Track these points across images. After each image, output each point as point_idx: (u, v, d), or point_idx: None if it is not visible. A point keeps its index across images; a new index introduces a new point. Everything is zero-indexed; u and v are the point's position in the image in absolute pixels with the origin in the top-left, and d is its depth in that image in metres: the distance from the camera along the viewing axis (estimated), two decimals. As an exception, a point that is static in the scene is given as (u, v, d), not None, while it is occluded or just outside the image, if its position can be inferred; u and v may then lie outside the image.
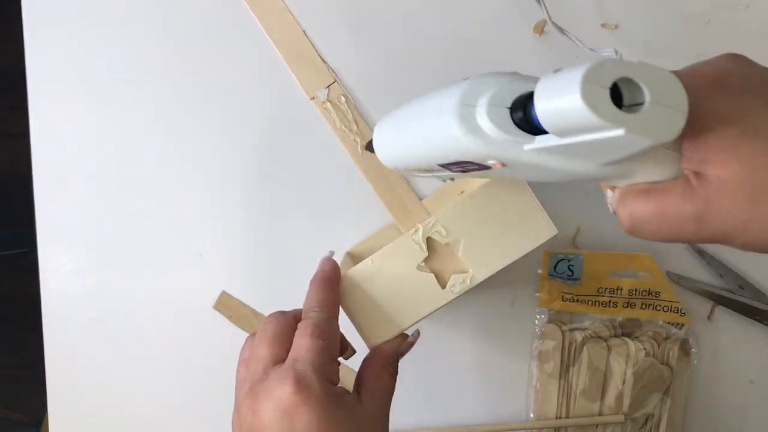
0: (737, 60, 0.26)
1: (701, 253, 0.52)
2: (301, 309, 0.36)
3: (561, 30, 0.48)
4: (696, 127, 0.23)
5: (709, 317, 0.53)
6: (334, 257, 0.39)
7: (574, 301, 0.53)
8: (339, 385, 0.33)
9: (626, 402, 0.52)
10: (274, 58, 0.53)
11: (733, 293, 0.52)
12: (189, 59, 0.55)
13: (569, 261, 0.52)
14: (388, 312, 0.36)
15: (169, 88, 0.55)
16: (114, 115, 0.55)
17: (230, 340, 0.53)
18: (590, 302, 0.53)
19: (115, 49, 0.55)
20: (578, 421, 0.52)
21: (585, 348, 0.52)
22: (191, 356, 0.55)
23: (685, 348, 0.52)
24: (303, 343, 0.32)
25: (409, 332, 0.38)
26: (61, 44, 0.55)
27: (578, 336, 0.52)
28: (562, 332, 0.52)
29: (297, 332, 0.33)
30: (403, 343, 0.38)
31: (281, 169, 0.54)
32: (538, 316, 0.53)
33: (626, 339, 0.52)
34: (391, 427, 0.56)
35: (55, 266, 0.55)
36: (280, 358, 0.33)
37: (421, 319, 0.36)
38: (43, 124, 0.55)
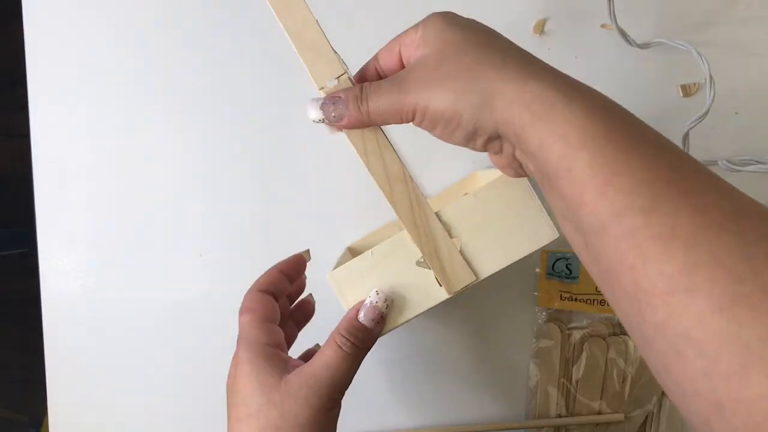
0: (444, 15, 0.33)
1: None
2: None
3: (623, 33, 0.48)
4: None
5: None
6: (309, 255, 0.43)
7: (572, 299, 0.53)
8: None
9: (626, 400, 0.52)
10: (281, 52, 0.53)
11: (732, 292, 0.52)
12: (189, 59, 0.55)
13: (567, 260, 0.52)
14: None
15: (169, 88, 0.55)
16: (114, 116, 0.55)
17: (230, 340, 0.53)
18: (589, 301, 0.53)
19: (115, 48, 0.55)
20: (578, 420, 0.52)
21: (584, 346, 0.52)
22: (191, 356, 0.55)
23: (684, 347, 0.52)
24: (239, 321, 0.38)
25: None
26: (62, 44, 0.55)
27: (577, 335, 0.53)
28: (561, 331, 0.52)
29: None
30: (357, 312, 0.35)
31: (282, 166, 0.54)
32: (537, 315, 0.53)
33: (625, 337, 0.52)
34: (390, 427, 0.56)
35: (55, 266, 0.55)
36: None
37: (418, 315, 0.36)
38: (43, 124, 0.55)
